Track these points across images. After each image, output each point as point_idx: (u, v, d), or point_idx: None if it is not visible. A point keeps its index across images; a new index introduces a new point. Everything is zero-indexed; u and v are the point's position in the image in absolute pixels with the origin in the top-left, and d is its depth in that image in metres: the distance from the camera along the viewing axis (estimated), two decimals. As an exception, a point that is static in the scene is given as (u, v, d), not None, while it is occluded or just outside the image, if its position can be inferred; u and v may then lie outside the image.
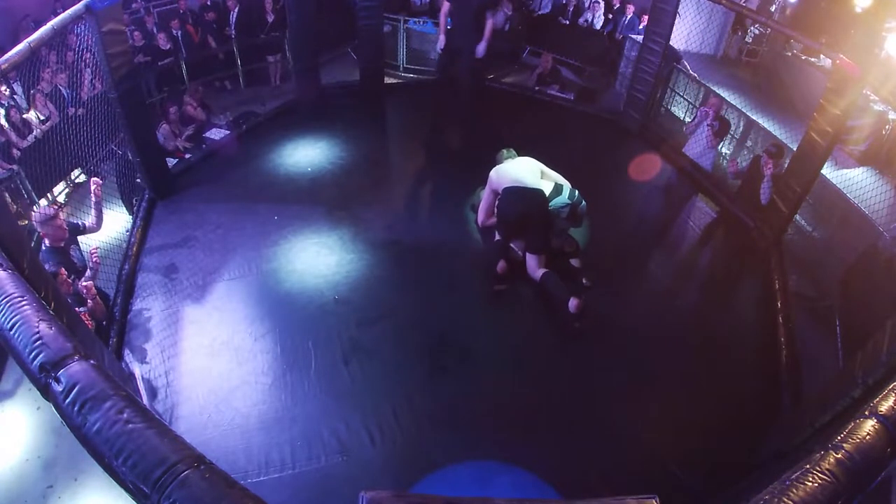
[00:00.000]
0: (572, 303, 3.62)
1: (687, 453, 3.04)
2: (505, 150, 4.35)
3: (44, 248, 3.46)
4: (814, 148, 4.13)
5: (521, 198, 3.90)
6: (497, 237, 4.19)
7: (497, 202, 4.07)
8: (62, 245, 3.51)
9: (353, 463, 2.94)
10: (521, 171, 4.02)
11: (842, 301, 4.26)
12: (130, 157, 4.65)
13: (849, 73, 3.80)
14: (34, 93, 5.83)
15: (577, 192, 4.12)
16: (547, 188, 3.99)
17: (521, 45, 8.66)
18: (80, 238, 3.85)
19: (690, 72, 6.89)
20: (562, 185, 4.06)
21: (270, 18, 7.70)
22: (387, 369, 3.42)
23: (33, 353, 1.26)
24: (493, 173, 4.13)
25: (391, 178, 5.44)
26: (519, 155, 4.30)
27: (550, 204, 3.97)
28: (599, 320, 3.81)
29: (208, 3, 7.87)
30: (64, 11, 3.60)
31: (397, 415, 3.17)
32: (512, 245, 4.12)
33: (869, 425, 1.25)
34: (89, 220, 3.83)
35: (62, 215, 3.61)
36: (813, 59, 6.50)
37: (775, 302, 4.15)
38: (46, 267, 2.94)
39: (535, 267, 3.92)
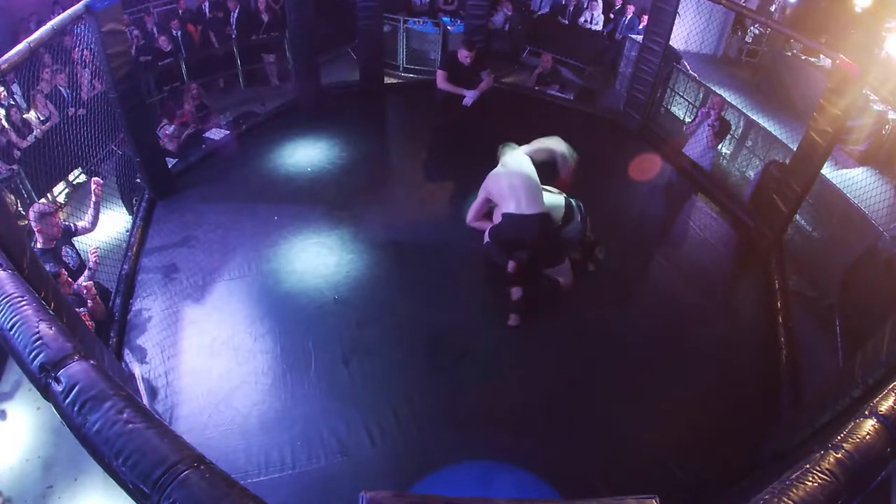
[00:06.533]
0: (510, 265, 3.69)
1: (687, 453, 3.04)
2: (506, 146, 4.07)
3: (35, 249, 3.43)
4: (814, 148, 4.13)
5: (520, 228, 3.65)
6: (486, 240, 3.94)
7: (497, 225, 3.78)
8: (53, 245, 3.50)
9: (353, 463, 2.94)
10: (521, 186, 3.68)
11: (842, 301, 4.26)
12: (130, 157, 4.66)
13: (849, 73, 3.80)
14: (34, 93, 5.83)
15: (581, 206, 4.04)
16: (556, 210, 3.80)
17: (521, 45, 8.66)
18: (79, 237, 3.85)
19: (690, 72, 6.89)
20: (571, 210, 3.92)
21: (265, 18, 7.70)
22: (387, 369, 3.41)
23: (33, 353, 1.27)
24: (491, 179, 3.86)
25: (391, 178, 5.43)
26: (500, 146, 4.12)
27: (565, 231, 3.87)
28: (599, 320, 3.81)
29: (207, 2, 7.86)
30: (63, 12, 3.60)
31: (397, 415, 3.16)
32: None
33: (869, 425, 1.25)
34: (83, 223, 3.83)
35: (60, 214, 3.60)
36: (813, 59, 6.50)
37: (775, 302, 4.15)
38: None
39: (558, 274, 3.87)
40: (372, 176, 5.21)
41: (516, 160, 3.94)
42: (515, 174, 3.79)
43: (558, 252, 3.86)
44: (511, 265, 3.76)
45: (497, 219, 3.86)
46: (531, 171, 3.84)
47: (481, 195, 3.98)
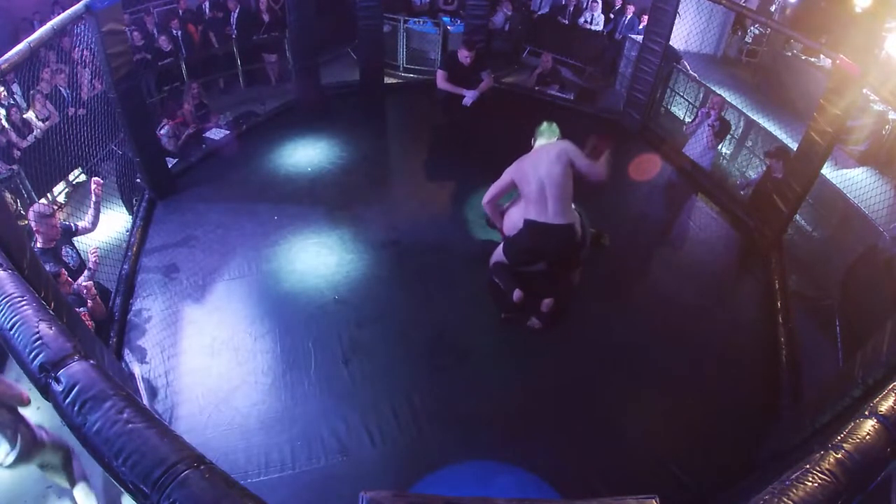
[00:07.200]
0: (545, 303, 3.52)
1: (687, 453, 3.04)
2: (546, 125, 3.72)
3: (35, 248, 3.43)
4: (814, 148, 4.13)
5: (543, 239, 3.38)
6: (496, 259, 3.73)
7: (516, 235, 3.50)
8: (53, 245, 3.51)
9: (353, 463, 2.94)
10: (552, 187, 3.34)
11: (842, 301, 4.26)
12: (131, 157, 4.66)
13: (849, 73, 3.79)
14: (34, 93, 5.83)
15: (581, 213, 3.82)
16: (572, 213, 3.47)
17: (521, 45, 8.66)
18: (80, 237, 3.85)
19: (690, 72, 6.89)
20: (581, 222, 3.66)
21: (266, 18, 7.71)
22: (387, 369, 3.41)
23: (33, 353, 1.27)
24: (523, 161, 3.52)
25: (391, 178, 5.44)
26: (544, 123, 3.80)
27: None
28: (599, 320, 3.81)
29: (207, 2, 7.87)
30: (63, 12, 3.60)
31: (397, 415, 3.17)
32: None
33: (869, 425, 1.25)
34: (83, 223, 3.83)
35: (59, 215, 3.61)
36: (813, 59, 6.50)
37: (775, 302, 4.15)
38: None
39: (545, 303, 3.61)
40: (372, 176, 5.21)
41: (550, 152, 3.45)
42: (545, 165, 3.37)
43: (576, 264, 3.70)
44: (517, 294, 3.44)
45: (516, 222, 3.52)
46: (564, 172, 3.39)
47: (507, 176, 3.55)
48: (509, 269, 3.67)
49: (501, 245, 3.69)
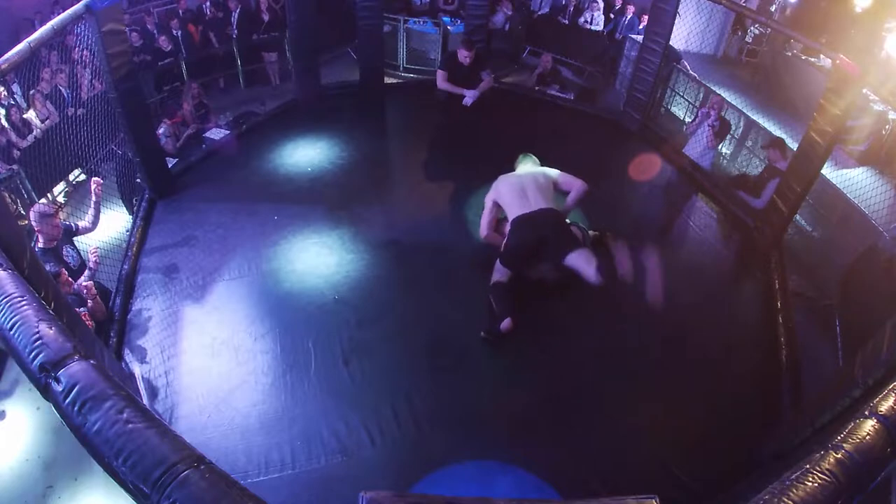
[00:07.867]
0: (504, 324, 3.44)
1: (687, 453, 3.04)
2: (521, 156, 4.16)
3: (36, 248, 3.44)
4: (814, 148, 4.13)
5: (532, 226, 3.56)
6: (496, 278, 3.77)
7: (507, 240, 3.70)
8: (54, 245, 3.51)
9: (353, 463, 2.94)
10: (530, 184, 3.68)
11: (842, 301, 4.26)
12: (130, 157, 4.66)
13: (849, 73, 3.79)
14: (33, 93, 5.83)
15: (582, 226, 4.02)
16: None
17: (521, 45, 8.66)
18: (80, 237, 3.85)
19: (690, 72, 6.89)
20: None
21: (266, 18, 7.72)
22: (387, 369, 3.41)
23: (33, 353, 1.26)
24: (499, 180, 3.85)
25: (391, 178, 5.43)
26: (520, 155, 4.20)
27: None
28: (599, 320, 3.81)
29: (207, 2, 7.87)
30: (63, 12, 3.60)
31: (397, 415, 3.16)
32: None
33: (869, 425, 1.25)
34: (84, 222, 3.83)
35: (60, 214, 3.61)
36: (813, 59, 6.50)
37: (775, 302, 4.14)
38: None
39: (586, 265, 3.47)
40: (372, 176, 5.21)
41: (530, 169, 3.92)
42: (526, 175, 3.77)
43: (572, 243, 3.61)
44: (506, 323, 3.50)
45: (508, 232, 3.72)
46: (545, 179, 3.77)
47: (489, 200, 3.84)
48: (509, 290, 3.69)
49: (498, 259, 3.76)
